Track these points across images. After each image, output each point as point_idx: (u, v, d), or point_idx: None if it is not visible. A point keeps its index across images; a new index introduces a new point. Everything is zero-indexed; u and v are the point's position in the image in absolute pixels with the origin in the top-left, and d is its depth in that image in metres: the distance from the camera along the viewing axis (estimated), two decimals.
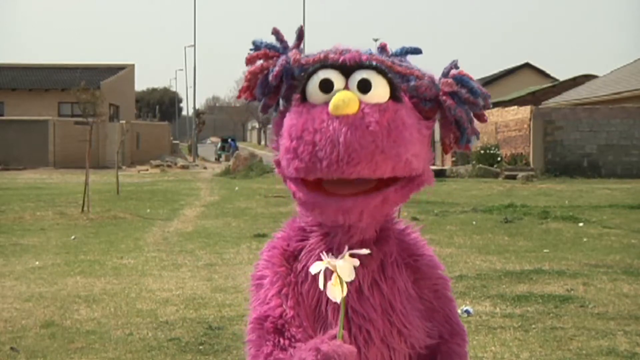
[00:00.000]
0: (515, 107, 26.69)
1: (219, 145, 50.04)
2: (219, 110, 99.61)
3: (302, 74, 1.48)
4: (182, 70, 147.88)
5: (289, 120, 1.47)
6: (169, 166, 34.15)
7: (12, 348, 4.88)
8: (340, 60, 1.47)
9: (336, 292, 1.38)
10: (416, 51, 1.58)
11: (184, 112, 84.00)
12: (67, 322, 5.59)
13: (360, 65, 1.46)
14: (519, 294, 6.41)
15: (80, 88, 19.17)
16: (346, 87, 1.44)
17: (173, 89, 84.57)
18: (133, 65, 45.39)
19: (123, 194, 17.09)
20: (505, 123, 26.33)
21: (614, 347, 4.80)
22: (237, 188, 19.75)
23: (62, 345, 4.99)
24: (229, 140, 50.05)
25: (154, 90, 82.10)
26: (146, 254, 8.84)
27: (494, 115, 27.03)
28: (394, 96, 1.45)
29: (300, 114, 1.44)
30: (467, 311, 5.66)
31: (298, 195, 1.48)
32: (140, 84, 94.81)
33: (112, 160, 27.81)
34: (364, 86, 1.44)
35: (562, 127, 24.00)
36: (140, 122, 44.46)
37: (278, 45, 1.55)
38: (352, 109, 1.39)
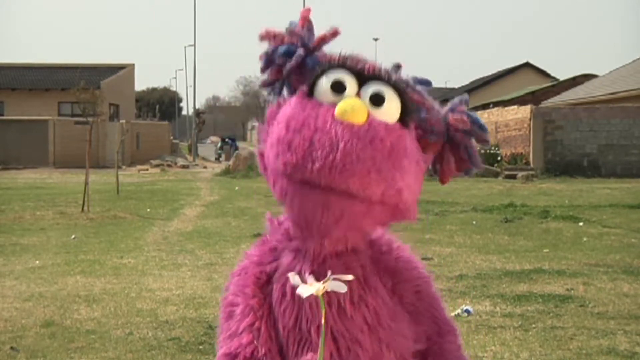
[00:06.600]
0: (515, 106, 26.73)
1: (219, 145, 49.85)
2: (219, 110, 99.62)
3: (317, 67, 1.41)
4: (182, 70, 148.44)
5: (289, 110, 1.37)
6: (169, 166, 34.12)
7: (12, 348, 4.88)
8: (359, 66, 1.40)
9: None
10: (427, 83, 1.50)
11: (184, 112, 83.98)
12: (67, 321, 5.58)
13: (377, 76, 1.39)
14: (519, 293, 6.41)
15: (80, 88, 19.10)
16: (358, 95, 1.37)
17: (173, 89, 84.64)
18: (133, 65, 45.37)
19: (123, 194, 17.08)
20: (505, 123, 26.34)
21: (614, 346, 4.79)
22: (237, 188, 19.76)
23: (62, 344, 4.98)
24: (230, 139, 49.67)
25: (154, 89, 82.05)
26: (146, 254, 8.84)
27: (494, 114, 27.05)
28: (403, 120, 1.37)
29: (303, 108, 1.35)
30: (467, 311, 5.67)
31: (279, 183, 1.39)
32: (140, 84, 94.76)
33: (112, 160, 27.76)
34: (377, 99, 1.36)
35: (562, 127, 24.02)
36: (140, 122, 44.39)
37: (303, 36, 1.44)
38: (360, 118, 1.31)
